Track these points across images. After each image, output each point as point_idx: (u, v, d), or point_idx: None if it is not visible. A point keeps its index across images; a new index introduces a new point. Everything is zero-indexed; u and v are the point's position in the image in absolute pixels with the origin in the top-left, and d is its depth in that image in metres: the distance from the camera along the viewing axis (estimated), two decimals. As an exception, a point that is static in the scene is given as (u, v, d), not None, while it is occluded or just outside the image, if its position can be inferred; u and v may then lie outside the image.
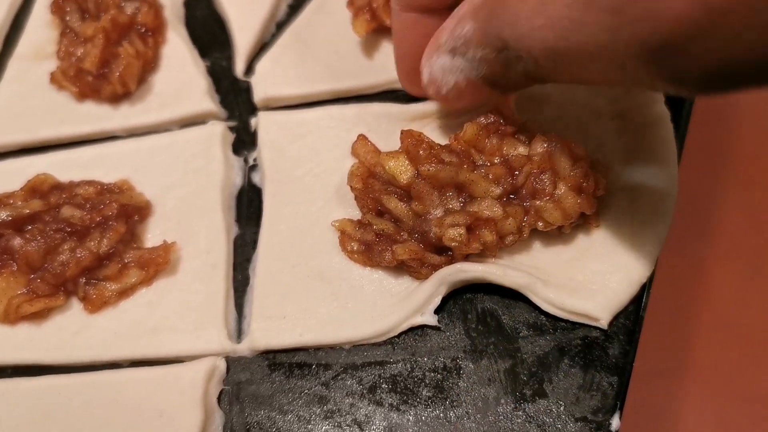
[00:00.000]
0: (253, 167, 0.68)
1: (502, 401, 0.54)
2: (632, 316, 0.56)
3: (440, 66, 0.54)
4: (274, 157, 0.65)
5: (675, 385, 0.92)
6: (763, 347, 0.93)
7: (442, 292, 0.56)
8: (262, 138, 0.66)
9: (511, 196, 0.57)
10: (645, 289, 0.57)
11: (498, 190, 0.56)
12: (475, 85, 0.54)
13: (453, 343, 0.57)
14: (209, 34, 0.76)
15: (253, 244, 0.64)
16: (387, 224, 0.58)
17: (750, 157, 1.04)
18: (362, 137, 0.60)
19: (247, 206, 0.66)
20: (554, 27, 0.43)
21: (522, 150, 0.57)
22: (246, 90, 0.72)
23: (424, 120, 0.65)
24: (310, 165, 0.65)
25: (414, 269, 0.57)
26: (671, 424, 0.90)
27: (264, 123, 0.67)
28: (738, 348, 0.93)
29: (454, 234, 0.54)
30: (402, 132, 0.58)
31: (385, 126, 0.65)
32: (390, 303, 0.57)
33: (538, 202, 0.56)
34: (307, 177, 0.64)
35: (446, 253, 0.56)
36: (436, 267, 0.56)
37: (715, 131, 1.05)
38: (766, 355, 0.93)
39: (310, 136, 0.65)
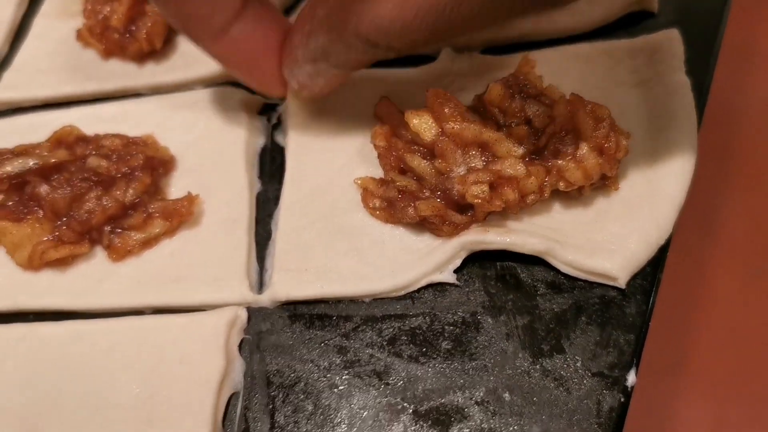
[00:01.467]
0: (276, 126, 0.68)
1: (520, 356, 0.54)
2: (649, 277, 0.57)
3: (305, 74, 0.57)
4: (298, 118, 0.66)
5: (675, 384, 0.93)
6: (764, 348, 0.94)
7: (463, 255, 0.57)
8: (288, 99, 0.67)
9: (533, 156, 0.57)
10: (663, 251, 0.57)
11: (521, 150, 0.56)
12: (343, 76, 0.58)
13: (472, 299, 0.57)
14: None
15: (275, 200, 0.64)
16: (410, 181, 0.58)
17: (754, 159, 1.04)
18: (385, 99, 0.61)
19: (270, 164, 0.67)
20: (431, 12, 0.46)
21: (545, 110, 0.58)
22: (271, 52, 0.72)
23: (443, 80, 0.66)
24: (333, 125, 0.65)
25: (436, 226, 0.57)
26: (670, 422, 0.91)
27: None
28: (739, 348, 0.94)
29: (477, 191, 0.55)
30: (428, 90, 0.58)
31: (405, 89, 0.65)
32: (411, 259, 0.58)
33: (560, 162, 0.56)
34: (330, 136, 0.65)
35: (468, 212, 0.57)
36: (457, 225, 0.57)
37: (719, 133, 1.06)
38: (764, 356, 0.93)
39: (335, 97, 0.66)
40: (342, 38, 0.51)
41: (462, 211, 0.57)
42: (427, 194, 0.58)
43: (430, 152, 0.58)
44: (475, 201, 0.55)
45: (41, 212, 0.60)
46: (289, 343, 0.57)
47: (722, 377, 0.93)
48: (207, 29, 0.55)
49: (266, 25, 0.56)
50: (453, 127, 0.56)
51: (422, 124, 0.57)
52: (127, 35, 0.70)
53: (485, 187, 0.55)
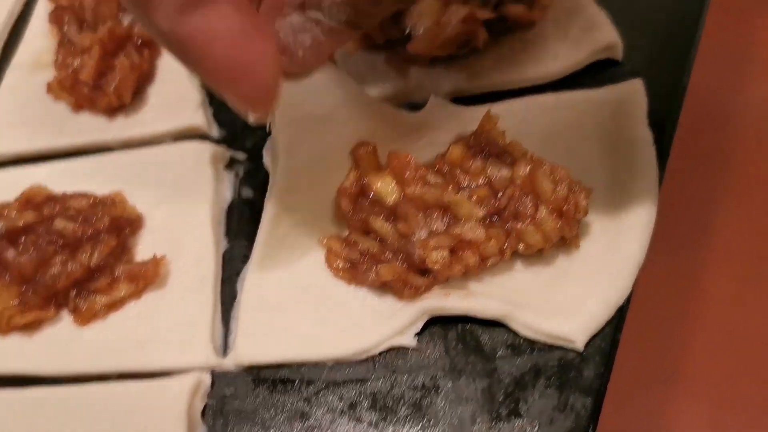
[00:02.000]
0: (244, 180, 0.69)
1: (478, 420, 0.55)
2: (608, 338, 0.57)
3: (290, 27, 0.47)
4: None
5: (671, 391, 0.93)
6: (759, 353, 0.94)
7: (424, 319, 0.58)
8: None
9: (494, 217, 0.58)
10: (622, 310, 0.58)
11: (481, 212, 0.57)
12: (336, 34, 0.48)
13: (432, 361, 0.58)
14: (205, 46, 0.77)
15: (242, 258, 0.65)
16: (372, 243, 0.59)
17: (745, 162, 1.04)
18: (363, 143, 0.62)
19: (237, 220, 0.67)
20: None
21: (505, 172, 0.58)
22: (239, 103, 0.72)
23: (421, 131, 0.66)
24: (312, 169, 0.64)
25: (397, 289, 0.58)
26: (667, 428, 0.91)
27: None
28: (734, 353, 0.94)
29: (437, 257, 0.55)
30: (389, 154, 0.59)
31: (386, 132, 0.65)
32: (372, 322, 0.59)
33: (519, 225, 0.57)
34: (308, 190, 0.65)
35: (430, 275, 0.58)
36: (419, 288, 0.58)
37: (710, 136, 1.05)
38: (761, 361, 0.94)
39: (314, 138, 0.66)
40: None
41: (424, 273, 0.58)
42: (389, 257, 0.58)
43: (394, 214, 0.58)
44: (435, 267, 0.56)
45: (7, 276, 0.61)
46: (252, 408, 0.58)
47: (718, 382, 0.93)
48: None
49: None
50: (414, 191, 0.57)
51: (384, 188, 0.58)
52: (97, 89, 0.70)
53: (445, 253, 0.55)
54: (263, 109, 0.47)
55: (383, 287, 0.59)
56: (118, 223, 0.63)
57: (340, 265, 0.60)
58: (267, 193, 0.64)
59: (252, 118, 0.48)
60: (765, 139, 1.05)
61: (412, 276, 0.57)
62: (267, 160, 0.67)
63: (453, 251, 0.56)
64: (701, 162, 1.04)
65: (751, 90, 1.08)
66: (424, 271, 0.57)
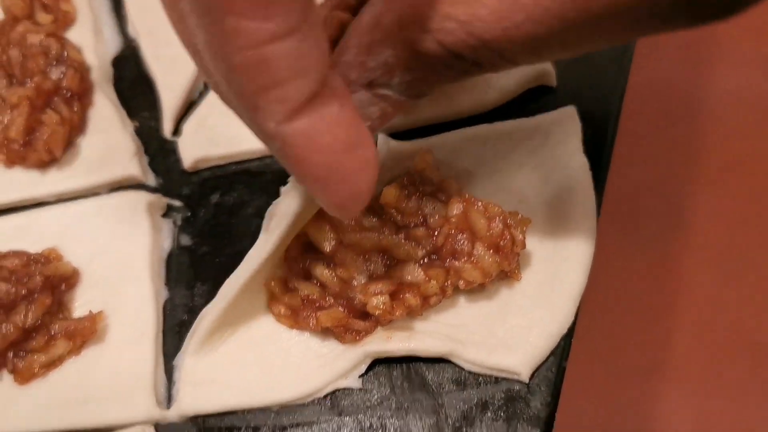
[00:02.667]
0: (182, 228, 0.68)
1: (428, 458, 0.55)
2: (554, 367, 0.57)
3: (357, 102, 0.46)
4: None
5: (653, 383, 0.93)
6: (739, 344, 0.94)
7: (367, 362, 0.58)
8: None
9: (433, 256, 0.58)
10: (567, 338, 0.58)
11: (420, 252, 0.57)
12: (402, 104, 0.48)
13: (379, 401, 0.57)
14: (138, 94, 0.76)
15: (183, 307, 0.64)
16: (313, 289, 0.58)
17: (722, 157, 1.05)
18: None
19: (177, 269, 0.66)
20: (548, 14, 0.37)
21: (441, 210, 0.58)
22: (174, 151, 0.72)
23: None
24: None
25: (339, 334, 0.58)
26: (650, 421, 0.91)
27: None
28: (714, 345, 0.95)
29: (377, 302, 0.55)
30: None
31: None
32: (316, 365, 0.58)
33: (456, 263, 0.57)
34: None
35: (372, 318, 0.57)
36: (360, 332, 0.57)
37: (686, 131, 1.07)
38: (741, 352, 0.94)
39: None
40: (416, 48, 0.42)
41: (365, 317, 0.58)
42: (330, 302, 0.58)
43: (332, 260, 0.58)
44: (376, 312, 0.55)
45: (-58, 341, 0.59)
46: (199, 460, 0.57)
47: (701, 373, 0.94)
48: (288, 95, 0.40)
49: (352, 109, 0.42)
50: (351, 238, 0.56)
51: (321, 236, 0.58)
52: (27, 145, 0.69)
53: (385, 298, 0.55)
54: (353, 213, 0.48)
55: (326, 332, 0.59)
56: (53, 281, 0.62)
57: (282, 311, 0.60)
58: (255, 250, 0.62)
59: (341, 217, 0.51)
60: (738, 128, 1.06)
61: (353, 321, 0.57)
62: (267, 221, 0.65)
63: (394, 294, 0.56)
64: (674, 155, 1.05)
65: (721, 81, 1.09)
66: (365, 314, 0.57)
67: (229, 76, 0.40)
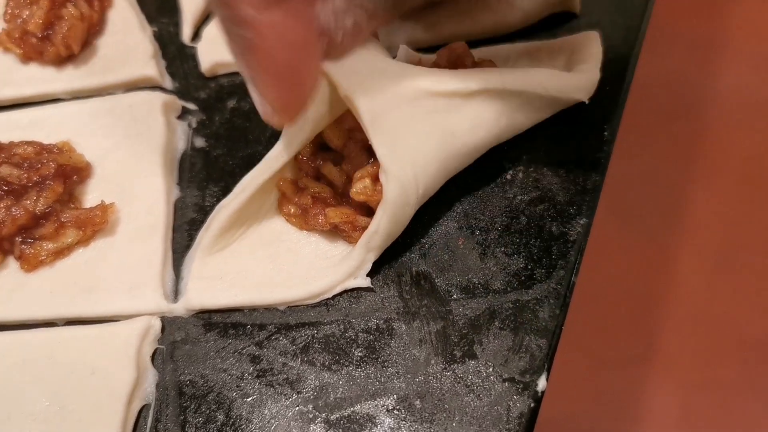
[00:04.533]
0: (196, 131, 0.68)
1: (432, 362, 0.54)
2: (563, 281, 0.57)
3: (332, 11, 0.46)
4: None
5: (641, 373, 0.94)
6: (728, 336, 0.95)
7: (371, 258, 0.57)
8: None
9: None
10: (578, 253, 0.57)
11: None
12: (376, 17, 0.48)
13: (386, 304, 0.57)
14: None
15: (194, 206, 0.64)
16: (322, 188, 0.58)
17: (720, 154, 1.05)
18: None
19: (189, 169, 0.66)
20: None
21: None
22: (193, 56, 0.71)
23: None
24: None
25: (347, 233, 0.57)
26: (637, 410, 0.92)
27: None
28: (704, 336, 0.95)
29: (358, 187, 0.55)
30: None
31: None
32: (325, 266, 0.58)
33: None
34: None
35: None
36: (366, 229, 0.57)
37: (686, 128, 1.06)
38: (730, 344, 0.94)
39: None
40: None
41: (372, 215, 0.57)
42: (338, 201, 0.57)
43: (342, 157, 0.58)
44: (360, 198, 0.55)
45: (-49, 222, 0.59)
46: (203, 353, 0.57)
47: (688, 365, 0.94)
48: None
49: (313, 12, 0.45)
50: (357, 135, 0.56)
51: (335, 133, 0.57)
52: (45, 40, 0.69)
53: (366, 182, 0.55)
54: (292, 118, 0.51)
55: (334, 232, 0.58)
56: (65, 171, 0.61)
57: (292, 211, 0.59)
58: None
59: (275, 123, 0.51)
60: (737, 126, 1.06)
61: (360, 218, 0.57)
62: None
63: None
64: (673, 150, 1.05)
65: (725, 78, 1.09)
66: (371, 211, 0.57)
67: None
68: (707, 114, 1.09)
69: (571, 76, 0.60)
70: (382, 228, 0.55)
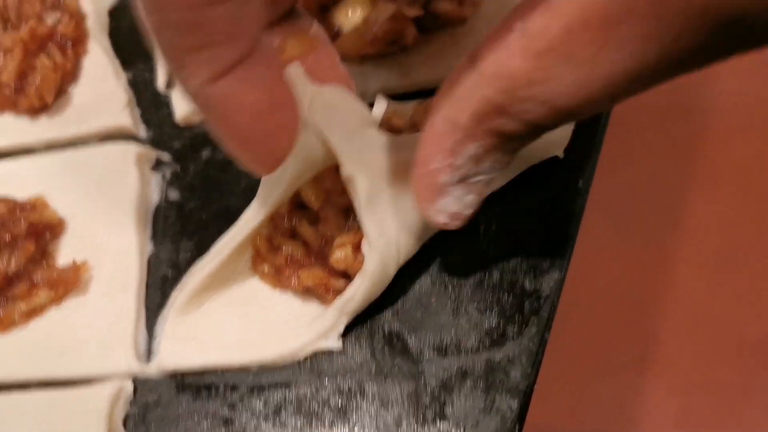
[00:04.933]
0: (171, 182, 0.68)
1: (404, 424, 0.54)
2: (536, 338, 0.56)
3: (454, 199, 0.46)
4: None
5: (639, 377, 0.94)
6: (727, 339, 0.95)
7: (344, 321, 0.57)
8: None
9: None
10: (550, 309, 0.57)
11: None
12: (493, 179, 0.47)
13: (359, 364, 0.57)
14: (133, 45, 0.75)
15: (168, 262, 0.64)
16: (297, 248, 0.58)
17: (717, 151, 1.05)
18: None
19: (163, 223, 0.66)
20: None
21: None
22: (167, 104, 0.71)
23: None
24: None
25: (320, 295, 0.57)
26: (634, 414, 0.92)
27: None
28: (700, 341, 0.95)
29: (339, 255, 0.55)
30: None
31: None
32: (297, 326, 0.58)
33: None
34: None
35: (351, 279, 0.57)
36: (340, 291, 0.57)
37: (683, 126, 1.06)
38: (729, 347, 0.94)
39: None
40: (501, 132, 0.41)
41: (347, 277, 0.57)
42: (312, 262, 0.57)
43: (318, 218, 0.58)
44: (340, 265, 0.55)
45: (-77, 283, 0.59)
46: (175, 416, 0.57)
47: (686, 368, 0.94)
48: (217, 58, 0.41)
49: (278, 72, 0.45)
50: (336, 200, 0.56)
51: (312, 192, 0.57)
52: (19, 91, 0.69)
53: (347, 250, 0.55)
54: (268, 172, 0.51)
55: (307, 292, 0.58)
56: (37, 229, 0.61)
57: (266, 270, 0.59)
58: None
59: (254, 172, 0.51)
60: (735, 128, 1.06)
61: (333, 280, 0.56)
62: None
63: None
64: (667, 152, 1.05)
65: (723, 81, 1.09)
66: (346, 274, 0.57)
67: (160, 29, 0.40)
68: (704, 115, 1.09)
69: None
70: (359, 296, 0.55)
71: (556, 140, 0.60)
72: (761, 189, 1.03)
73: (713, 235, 1.01)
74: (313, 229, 0.58)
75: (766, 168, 1.03)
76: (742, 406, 0.92)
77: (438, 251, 0.60)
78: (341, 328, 0.57)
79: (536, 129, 0.41)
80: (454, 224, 0.48)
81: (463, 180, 0.44)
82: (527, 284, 0.58)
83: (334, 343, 0.57)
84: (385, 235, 0.54)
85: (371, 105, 0.63)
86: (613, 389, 0.94)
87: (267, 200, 0.57)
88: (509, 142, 0.42)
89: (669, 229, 1.01)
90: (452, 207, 0.47)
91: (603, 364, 0.96)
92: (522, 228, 0.60)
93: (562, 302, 0.58)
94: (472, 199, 0.47)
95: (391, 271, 0.56)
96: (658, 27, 0.35)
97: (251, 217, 0.58)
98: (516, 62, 0.38)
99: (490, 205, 0.59)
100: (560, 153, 0.60)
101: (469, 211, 0.48)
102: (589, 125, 0.63)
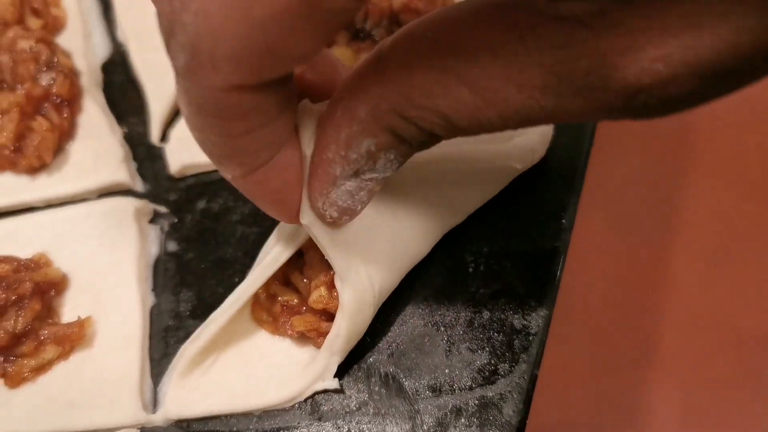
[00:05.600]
0: (169, 234, 0.70)
1: (403, 463, 0.57)
2: (526, 375, 0.59)
3: (346, 192, 0.48)
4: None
5: (640, 376, 0.94)
6: (727, 334, 0.96)
7: (336, 361, 0.59)
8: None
9: None
10: (539, 346, 0.60)
11: None
12: (387, 178, 0.48)
13: (357, 406, 0.59)
14: (127, 100, 0.78)
15: (170, 312, 0.66)
16: (291, 295, 0.60)
17: (712, 151, 1.06)
18: None
19: (163, 274, 0.68)
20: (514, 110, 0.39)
21: None
22: (161, 156, 0.73)
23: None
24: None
25: (314, 338, 0.60)
26: (638, 413, 0.92)
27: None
28: (702, 338, 0.96)
29: (315, 296, 0.58)
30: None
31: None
32: (296, 370, 0.60)
33: None
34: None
35: None
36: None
37: (676, 125, 1.07)
38: (729, 342, 0.95)
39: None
40: (396, 132, 0.42)
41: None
42: (305, 308, 0.60)
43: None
44: (318, 306, 0.58)
45: (-67, 346, 0.61)
46: (183, 463, 0.59)
47: (688, 364, 0.94)
48: (248, 163, 0.45)
49: (298, 153, 0.47)
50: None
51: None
52: (17, 152, 0.71)
53: (322, 290, 0.57)
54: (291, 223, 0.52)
55: (303, 337, 0.61)
56: (42, 287, 0.63)
57: (264, 317, 0.61)
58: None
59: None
60: (729, 124, 1.07)
61: (325, 325, 0.59)
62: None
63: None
64: (663, 148, 1.06)
65: None
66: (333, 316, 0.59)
67: (201, 142, 0.44)
68: (696, 110, 1.10)
69: (504, 144, 0.62)
70: (342, 332, 0.57)
71: (536, 147, 0.63)
72: (755, 183, 1.04)
73: (709, 232, 1.01)
74: (303, 276, 0.60)
75: (760, 161, 1.04)
76: (743, 401, 0.93)
77: (429, 293, 0.62)
78: (334, 368, 0.59)
79: (432, 137, 0.42)
80: (344, 220, 0.51)
81: (356, 175, 0.46)
82: (516, 323, 0.61)
83: (330, 383, 0.59)
84: (353, 267, 0.56)
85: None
86: (615, 390, 0.95)
87: (263, 272, 0.60)
88: (404, 144, 0.43)
89: (664, 227, 1.01)
90: (344, 201, 0.48)
91: (604, 362, 0.96)
92: (509, 268, 0.63)
93: (560, 302, 0.61)
94: (364, 195, 0.48)
95: (368, 300, 0.58)
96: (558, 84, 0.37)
97: (247, 288, 0.61)
98: (418, 71, 0.40)
99: (477, 246, 0.62)
100: (536, 160, 0.63)
101: (359, 207, 0.50)
102: (569, 160, 0.65)
